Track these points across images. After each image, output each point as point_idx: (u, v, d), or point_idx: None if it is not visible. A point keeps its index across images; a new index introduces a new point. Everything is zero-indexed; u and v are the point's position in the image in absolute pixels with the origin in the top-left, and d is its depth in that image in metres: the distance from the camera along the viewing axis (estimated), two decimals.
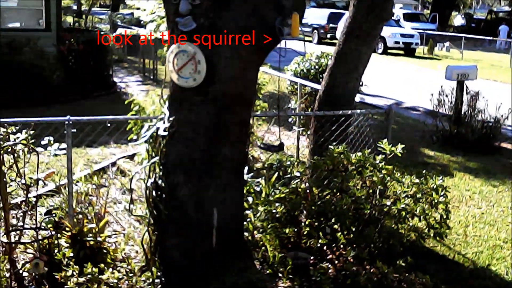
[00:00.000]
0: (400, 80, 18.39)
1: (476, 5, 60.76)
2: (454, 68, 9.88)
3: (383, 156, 5.13)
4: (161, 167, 4.48)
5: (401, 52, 28.54)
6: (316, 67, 9.22)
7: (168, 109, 4.43)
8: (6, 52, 11.97)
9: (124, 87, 15.15)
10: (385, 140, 5.29)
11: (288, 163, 7.01)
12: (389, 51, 28.17)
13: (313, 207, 5.14)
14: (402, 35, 28.49)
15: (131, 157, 8.09)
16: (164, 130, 4.37)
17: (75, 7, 30.97)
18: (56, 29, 13.66)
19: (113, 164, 7.79)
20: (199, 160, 4.33)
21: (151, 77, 16.43)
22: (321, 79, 8.84)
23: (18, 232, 4.92)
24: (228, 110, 4.30)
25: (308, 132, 8.77)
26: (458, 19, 48.18)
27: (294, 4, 4.10)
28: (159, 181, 4.47)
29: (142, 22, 13.78)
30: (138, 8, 9.54)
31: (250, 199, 5.24)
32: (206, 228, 4.39)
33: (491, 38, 33.34)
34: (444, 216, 4.87)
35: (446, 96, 9.80)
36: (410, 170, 5.58)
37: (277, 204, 5.21)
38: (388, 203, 4.87)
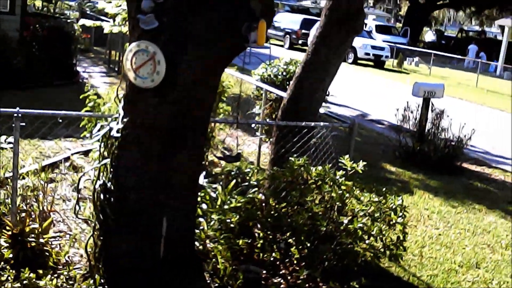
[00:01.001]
0: (367, 92, 18.42)
1: (447, 22, 61.74)
2: (421, 85, 9.86)
3: (344, 172, 5.00)
4: (111, 170, 4.26)
5: (371, 63, 28.70)
6: (284, 73, 9.09)
7: (123, 109, 4.21)
8: None
9: (87, 77, 14.76)
10: (346, 156, 5.17)
11: (248, 170, 6.87)
12: (359, 61, 28.31)
13: (268, 219, 4.98)
14: (373, 47, 28.64)
15: (86, 153, 7.79)
16: (117, 132, 4.15)
17: None
18: (21, 13, 13.20)
19: (66, 159, 7.49)
20: (152, 165, 4.12)
21: (116, 69, 16.08)
22: (287, 86, 8.74)
23: None
24: (187, 115, 4.09)
25: (271, 140, 8.66)
26: (429, 35, 48.80)
27: (262, 11, 3.93)
28: (109, 184, 4.25)
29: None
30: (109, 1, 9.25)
31: (204, 206, 5.05)
32: (155, 236, 4.18)
33: (460, 56, 33.83)
34: (401, 238, 4.76)
35: (411, 112, 9.77)
36: (371, 185, 5.45)
37: (231, 214, 5.03)
38: (346, 220, 4.73)
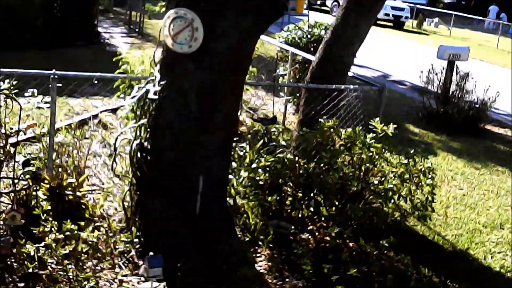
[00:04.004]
0: (388, 53, 18.28)
1: None
2: (447, 48, 9.81)
3: (374, 134, 5.06)
4: (148, 130, 4.37)
5: (390, 24, 28.34)
6: (309, 36, 9.05)
7: (159, 72, 4.30)
8: None
9: (108, 38, 14.82)
10: (377, 119, 5.21)
11: (274, 130, 6.96)
12: (378, 22, 27.94)
13: (298, 178, 5.08)
14: (393, 8, 28.20)
15: (114, 110, 7.91)
16: (155, 94, 4.25)
17: None
18: None
19: (95, 116, 7.62)
20: (189, 126, 4.23)
21: (137, 30, 16.08)
22: (312, 49, 8.73)
23: None
24: (223, 79, 4.19)
25: (295, 100, 8.71)
26: None
27: None
28: (145, 143, 4.37)
29: None
30: None
31: (233, 164, 5.16)
32: (190, 193, 4.31)
33: (480, 17, 33.24)
34: (430, 199, 4.84)
35: (436, 74, 9.74)
36: (398, 147, 5.51)
37: (260, 171, 5.14)
38: (376, 181, 4.82)
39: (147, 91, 4.35)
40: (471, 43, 22.81)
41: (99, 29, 15.28)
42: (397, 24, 28.46)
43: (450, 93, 9.65)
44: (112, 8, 19.37)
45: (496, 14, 34.66)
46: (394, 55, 17.95)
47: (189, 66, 4.10)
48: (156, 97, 4.24)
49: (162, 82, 4.21)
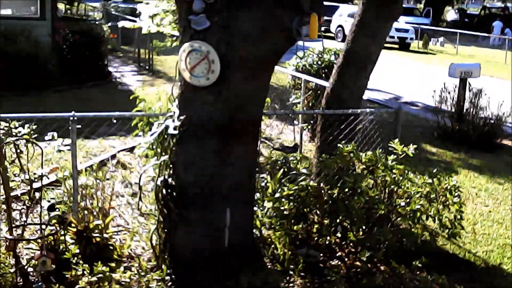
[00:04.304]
0: (396, 75, 18.32)
1: (468, 0, 60.81)
2: (457, 65, 9.83)
3: (395, 156, 5.04)
4: (170, 166, 4.38)
5: (396, 46, 28.44)
6: (319, 62, 9.11)
7: (178, 107, 4.32)
8: (1, 42, 11.77)
9: (119, 77, 14.99)
10: (396, 140, 5.21)
11: (291, 158, 6.94)
12: (384, 45, 27.99)
13: (324, 205, 5.06)
14: (397, 30, 28.26)
15: (131, 149, 7.95)
16: (174, 129, 4.26)
17: None
18: (51, 18, 13.41)
19: (113, 156, 7.67)
20: (210, 159, 4.23)
21: (147, 67, 16.26)
22: (323, 75, 8.78)
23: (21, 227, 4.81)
24: (241, 110, 4.21)
25: (309, 128, 8.72)
26: (451, 14, 48.13)
27: (311, 4, 3.99)
28: (169, 180, 4.37)
29: (137, 12, 13.61)
30: (140, 2, 9.42)
31: (257, 195, 5.15)
32: (217, 227, 4.29)
33: (485, 34, 33.33)
34: (458, 217, 4.80)
35: (449, 93, 9.74)
36: (416, 167, 5.49)
37: (284, 201, 5.12)
38: (402, 203, 4.78)
39: (167, 127, 4.37)
40: (479, 60, 22.72)
41: (110, 68, 15.48)
42: (403, 45, 28.56)
43: (464, 110, 9.63)
44: (120, 47, 19.63)
45: (501, 30, 34.78)
46: (403, 77, 17.99)
47: (207, 98, 4.11)
48: (176, 132, 4.25)
49: (182, 117, 4.22)
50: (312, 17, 3.94)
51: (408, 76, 18.19)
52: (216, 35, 3.97)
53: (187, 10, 4.02)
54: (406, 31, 28.78)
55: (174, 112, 4.35)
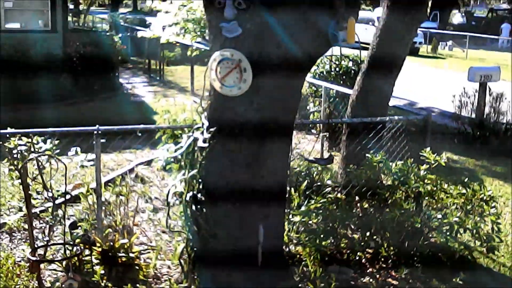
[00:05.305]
0: (408, 80, 18.04)
1: (474, 3, 60.61)
2: (477, 69, 9.66)
3: (427, 166, 4.89)
4: (200, 180, 4.22)
5: None
6: (337, 69, 8.98)
7: (207, 118, 4.16)
8: (13, 54, 11.72)
9: (131, 88, 14.90)
10: (428, 149, 5.05)
11: (313, 169, 6.79)
12: None
13: (354, 219, 4.91)
14: None
15: (149, 163, 7.83)
16: (204, 141, 4.10)
17: (71, 6, 30.61)
18: (62, 30, 13.36)
19: (131, 170, 7.53)
20: (241, 173, 4.07)
21: (158, 78, 16.17)
22: (341, 82, 8.64)
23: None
24: (273, 120, 4.03)
25: (327, 135, 8.55)
26: (457, 17, 47.91)
27: (346, 8, 3.84)
28: (199, 195, 4.21)
29: (147, 23, 13.58)
30: (159, 11, 9.35)
31: None
32: (250, 245, 4.14)
33: (493, 36, 33.10)
34: (496, 229, 4.62)
35: (469, 97, 9.57)
36: (452, 177, 5.33)
37: (313, 215, 4.96)
38: (439, 215, 4.62)
39: (196, 140, 4.21)
40: (489, 63, 22.63)
41: (120, 80, 15.39)
42: (412, 50, 28.34)
43: (485, 115, 9.46)
44: (129, 58, 19.53)
45: (510, 32, 34.58)
46: (415, 82, 17.76)
47: (238, 109, 3.94)
48: (206, 145, 4.09)
49: (212, 129, 4.07)
50: (350, 22, 3.78)
51: (420, 82, 17.98)
52: (248, 42, 3.80)
53: (218, 18, 3.87)
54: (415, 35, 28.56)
55: (203, 124, 4.18)
